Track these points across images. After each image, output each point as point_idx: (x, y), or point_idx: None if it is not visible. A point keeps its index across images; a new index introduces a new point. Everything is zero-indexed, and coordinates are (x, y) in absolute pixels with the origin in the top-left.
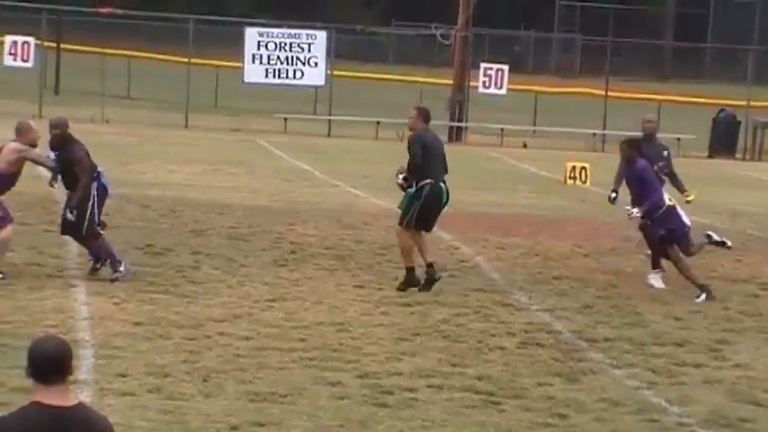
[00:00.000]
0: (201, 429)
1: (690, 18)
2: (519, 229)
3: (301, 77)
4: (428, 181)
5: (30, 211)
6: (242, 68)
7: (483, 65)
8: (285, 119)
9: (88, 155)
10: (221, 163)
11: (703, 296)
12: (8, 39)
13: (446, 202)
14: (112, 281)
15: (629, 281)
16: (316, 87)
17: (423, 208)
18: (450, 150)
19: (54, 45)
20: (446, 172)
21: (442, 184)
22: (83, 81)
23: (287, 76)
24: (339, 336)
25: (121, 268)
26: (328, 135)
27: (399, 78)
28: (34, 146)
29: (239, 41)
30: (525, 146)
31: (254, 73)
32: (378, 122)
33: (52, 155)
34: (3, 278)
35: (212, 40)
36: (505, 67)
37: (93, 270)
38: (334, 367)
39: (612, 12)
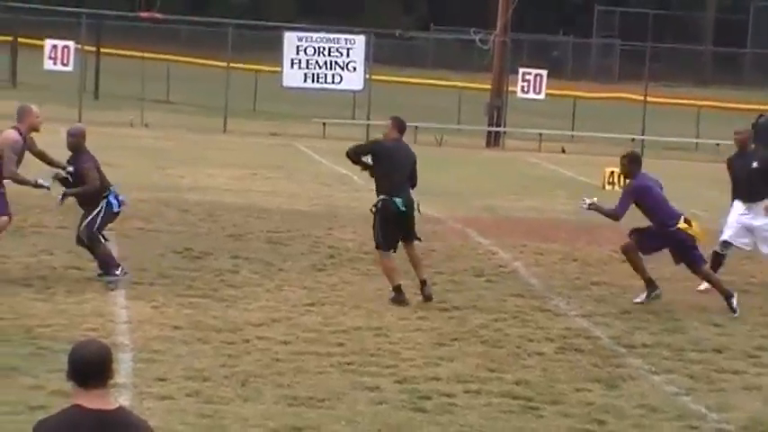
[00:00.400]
0: None
1: (730, 23)
2: (557, 235)
3: (340, 82)
4: (381, 197)
5: (68, 215)
6: (281, 73)
7: (521, 70)
8: (324, 123)
9: (99, 169)
10: (260, 167)
11: (643, 296)
12: (48, 43)
13: (409, 211)
14: (100, 275)
15: (668, 287)
16: (354, 92)
17: (382, 224)
18: (488, 155)
19: (94, 49)
20: (413, 186)
21: (396, 199)
22: (122, 85)
23: (326, 81)
24: (377, 340)
25: (117, 272)
26: (367, 140)
27: (438, 83)
28: (36, 130)
29: (278, 46)
30: (563, 151)
31: (292, 77)
32: (416, 127)
33: (70, 168)
34: None
35: (251, 44)
36: (544, 72)
37: (119, 275)
38: (372, 372)
39: (652, 17)
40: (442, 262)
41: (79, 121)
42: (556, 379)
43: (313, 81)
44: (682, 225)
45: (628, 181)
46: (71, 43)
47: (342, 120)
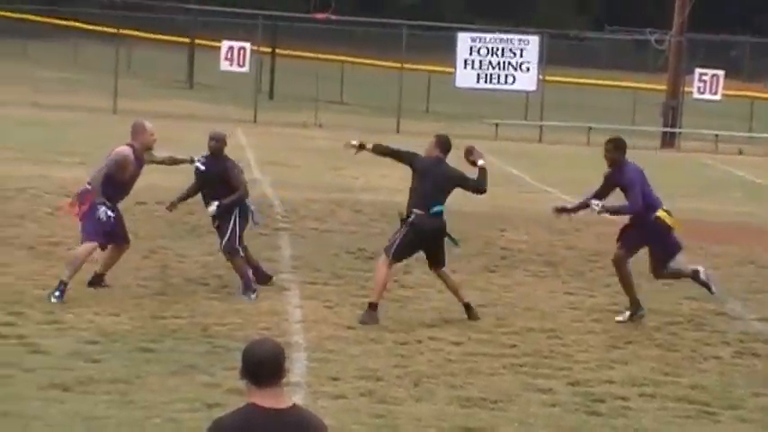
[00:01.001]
0: None
1: None
2: (733, 237)
3: (513, 82)
4: (417, 212)
5: None
6: (454, 73)
7: (698, 70)
8: (496, 124)
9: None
10: None
11: (627, 314)
12: (224, 44)
13: (440, 234)
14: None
15: None
16: (527, 92)
17: (406, 237)
18: (663, 156)
19: (269, 50)
20: (482, 191)
21: (432, 218)
22: (297, 86)
23: (498, 81)
24: (550, 342)
25: (253, 296)
26: (539, 140)
27: (611, 84)
28: (149, 148)
29: (451, 46)
30: (741, 152)
31: (465, 78)
32: (589, 128)
33: (201, 166)
34: (59, 295)
35: (425, 45)
36: (721, 73)
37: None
38: (545, 374)
39: None
40: None
41: (254, 122)
42: (733, 384)
43: (486, 81)
44: (661, 213)
45: (610, 169)
46: (247, 44)
47: (514, 121)
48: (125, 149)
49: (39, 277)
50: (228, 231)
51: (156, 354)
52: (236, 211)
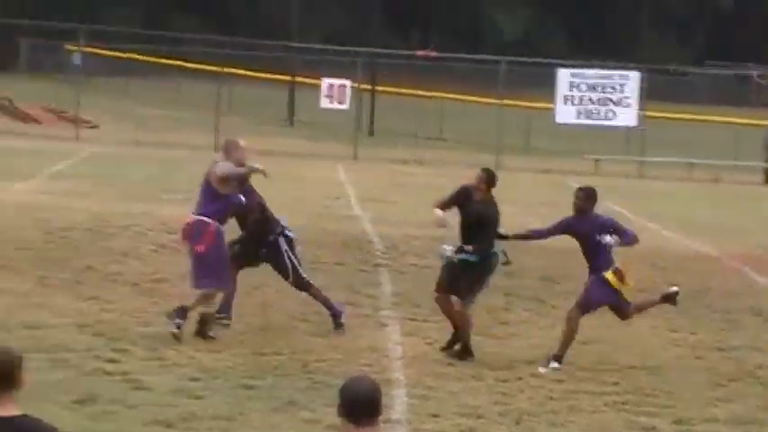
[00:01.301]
0: None
1: None
2: None
3: (613, 118)
4: (493, 252)
5: (345, 250)
6: (553, 109)
7: None
8: (596, 160)
9: (266, 208)
10: (532, 204)
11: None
12: (325, 81)
13: None
14: (338, 325)
15: None
16: (627, 128)
17: (487, 280)
18: (766, 191)
19: (369, 87)
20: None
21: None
22: (397, 122)
23: (599, 117)
24: (652, 380)
25: (343, 317)
26: (640, 176)
27: (713, 119)
28: (242, 165)
29: (551, 82)
30: None
31: (565, 113)
32: (691, 163)
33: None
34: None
35: (524, 81)
36: None
37: (337, 326)
38: (647, 412)
39: None
40: (718, 300)
41: (354, 158)
42: None
43: (586, 117)
44: (608, 275)
45: (575, 216)
46: (347, 82)
47: (615, 156)
48: (225, 164)
49: (141, 314)
50: (290, 268)
51: (257, 390)
52: (284, 245)
